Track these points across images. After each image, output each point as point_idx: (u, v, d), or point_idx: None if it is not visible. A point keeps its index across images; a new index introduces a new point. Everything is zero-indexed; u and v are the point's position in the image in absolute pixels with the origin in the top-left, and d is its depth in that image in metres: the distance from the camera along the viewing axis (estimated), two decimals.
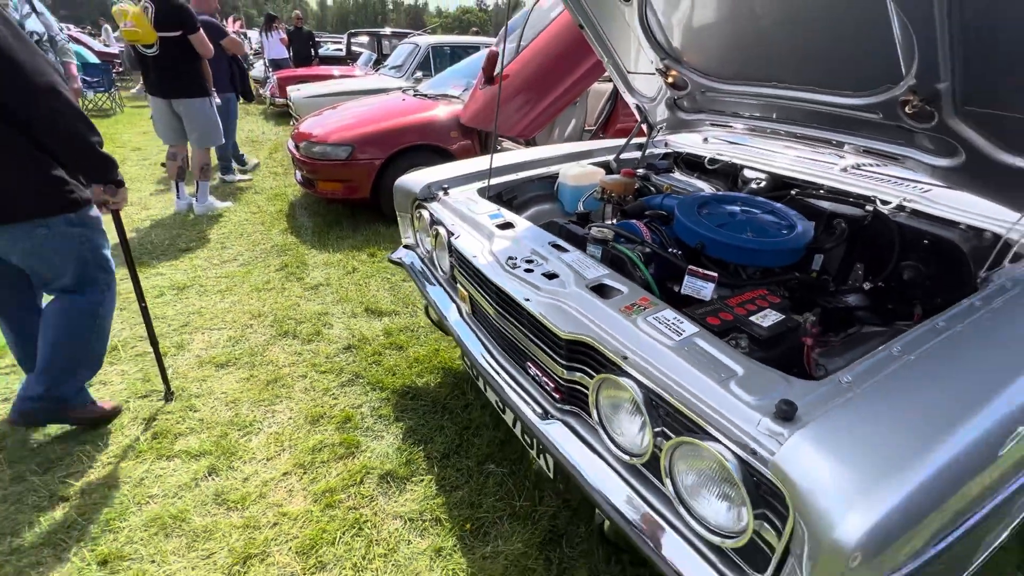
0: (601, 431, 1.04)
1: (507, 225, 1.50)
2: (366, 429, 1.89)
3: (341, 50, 12.88)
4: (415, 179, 1.88)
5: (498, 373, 1.34)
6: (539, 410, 1.19)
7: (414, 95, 4.44)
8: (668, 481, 0.89)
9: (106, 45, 12.97)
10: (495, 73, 3.66)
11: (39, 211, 1.53)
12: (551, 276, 1.20)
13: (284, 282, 2.99)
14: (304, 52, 9.99)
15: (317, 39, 13.70)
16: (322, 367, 2.22)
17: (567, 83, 3.49)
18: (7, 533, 1.46)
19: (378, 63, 9.19)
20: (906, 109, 1.21)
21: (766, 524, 0.75)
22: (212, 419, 1.91)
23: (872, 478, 0.64)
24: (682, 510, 0.87)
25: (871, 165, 1.63)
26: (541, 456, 1.27)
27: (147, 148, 6.04)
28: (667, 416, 0.89)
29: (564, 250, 1.32)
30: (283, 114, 8.12)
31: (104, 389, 2.05)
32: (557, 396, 1.16)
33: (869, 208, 1.45)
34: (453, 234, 1.54)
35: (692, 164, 2.16)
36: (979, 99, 1.08)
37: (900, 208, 1.47)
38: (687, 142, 2.25)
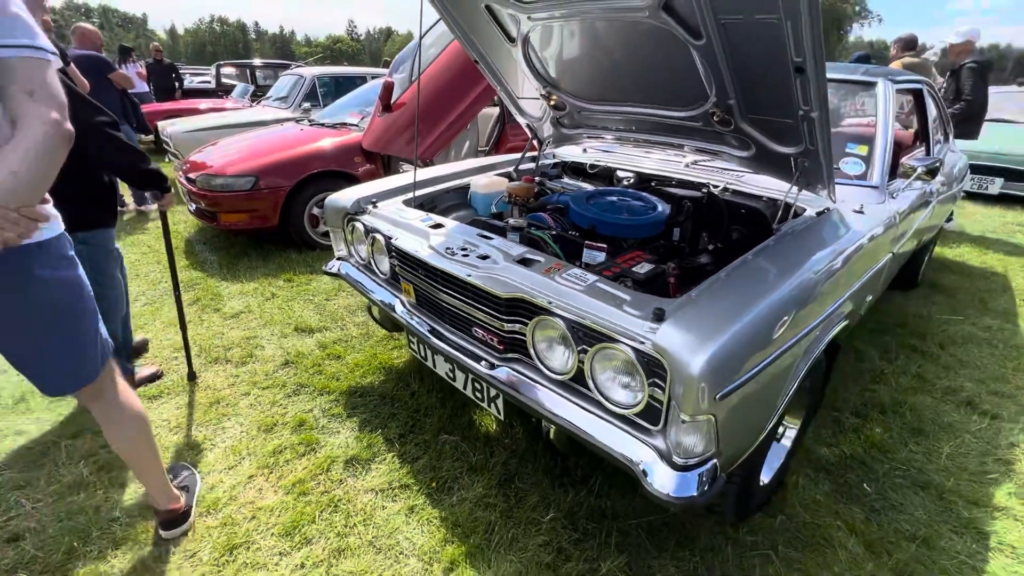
0: (538, 362, 1.37)
1: (438, 225, 1.80)
2: (321, 428, 2.03)
3: (209, 82, 12.22)
4: (344, 196, 2.10)
5: (448, 344, 1.62)
6: (487, 363, 1.49)
7: (310, 124, 4.54)
8: (591, 382, 1.24)
9: None
10: (391, 101, 3.95)
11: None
12: (484, 257, 1.52)
13: (200, 314, 2.95)
14: (166, 85, 9.37)
15: (180, 71, 12.82)
16: (263, 384, 2.31)
17: (460, 109, 3.88)
18: None
19: (256, 95, 8.94)
20: (714, 118, 1.73)
21: (656, 389, 1.13)
22: (161, 444, 1.93)
23: (706, 338, 1.04)
24: (601, 399, 1.23)
25: (704, 160, 2.19)
26: (492, 404, 1.57)
27: None
28: (584, 337, 1.25)
29: (490, 238, 1.65)
30: (159, 150, 7.56)
31: None
32: (501, 348, 1.47)
33: (704, 191, 1.98)
34: (392, 237, 1.80)
35: (576, 170, 2.63)
36: (755, 109, 1.62)
37: (725, 189, 2.03)
38: (571, 153, 2.73)
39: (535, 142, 2.62)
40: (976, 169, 6.06)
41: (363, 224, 1.98)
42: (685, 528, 1.61)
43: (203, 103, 8.19)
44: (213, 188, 3.59)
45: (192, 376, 2.33)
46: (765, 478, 1.66)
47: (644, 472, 1.12)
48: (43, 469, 1.80)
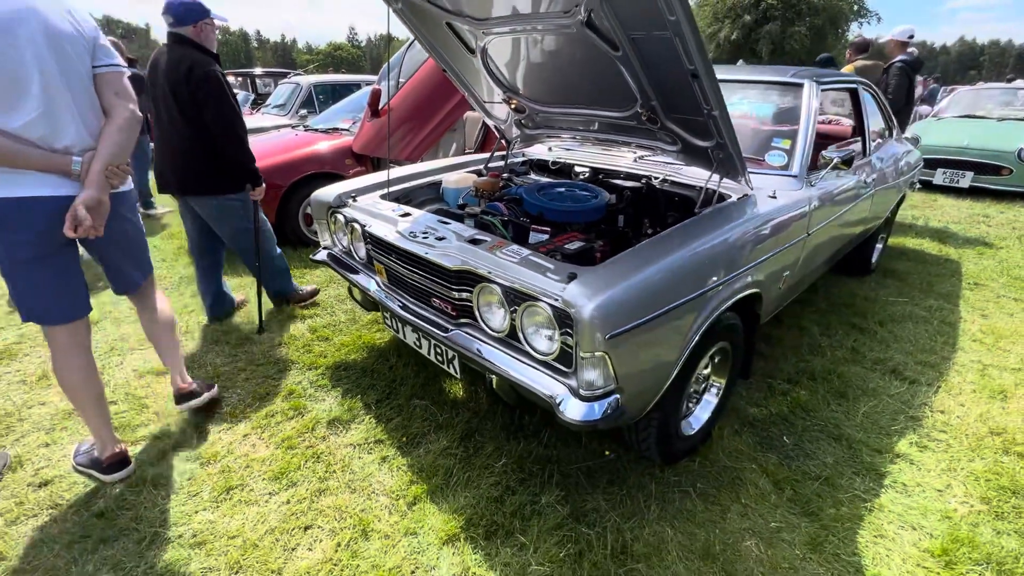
0: (482, 323, 1.64)
1: (407, 214, 2.06)
2: (309, 396, 2.30)
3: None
4: (328, 192, 2.37)
5: (413, 315, 1.89)
6: (443, 328, 1.76)
7: (305, 130, 4.83)
8: (521, 335, 1.50)
9: None
10: (379, 106, 4.24)
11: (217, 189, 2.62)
12: (441, 239, 1.79)
13: (201, 305, 3.22)
14: None
15: None
16: (258, 361, 2.58)
17: (443, 113, 4.16)
18: None
19: (256, 103, 9.27)
20: (644, 118, 1.99)
21: (567, 337, 1.38)
22: (166, 411, 2.20)
23: (598, 291, 1.30)
24: (529, 349, 1.49)
25: (649, 155, 2.45)
26: (450, 365, 1.83)
27: None
28: (515, 299, 1.50)
29: (447, 223, 1.91)
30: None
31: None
32: (454, 314, 1.73)
33: (644, 182, 2.24)
34: (366, 225, 2.07)
35: (542, 166, 2.90)
36: (673, 110, 1.88)
37: (664, 180, 2.29)
38: (538, 152, 3.00)
39: (503, 141, 2.88)
40: (947, 164, 6.30)
41: (343, 215, 2.25)
42: (618, 471, 1.86)
43: None
44: None
45: (261, 329, 2.89)
46: (691, 430, 1.91)
47: (559, 403, 1.38)
48: None
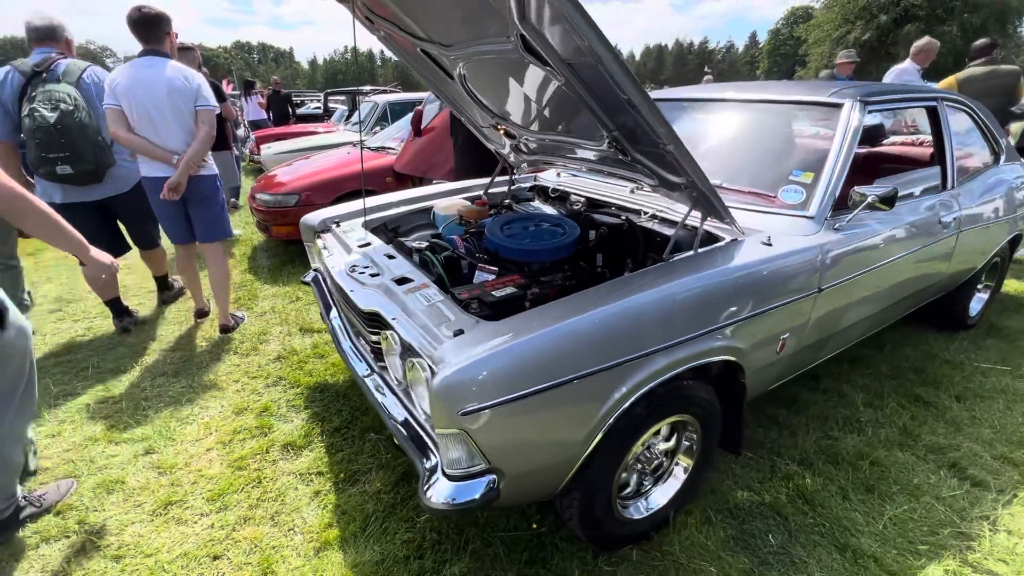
0: (390, 370, 1.53)
1: (366, 244, 2.03)
2: (279, 416, 2.35)
3: (319, 108, 13.87)
4: (316, 216, 2.42)
5: (352, 349, 1.83)
6: (366, 368, 1.68)
7: (357, 148, 5.08)
8: (412, 392, 1.37)
9: None
10: (421, 127, 4.32)
11: None
12: (375, 275, 1.72)
13: (234, 311, 3.48)
14: (282, 111, 10.89)
15: (302, 98, 14.72)
16: (253, 374, 2.70)
17: None
18: None
19: (349, 119, 10.01)
20: (615, 150, 1.76)
21: None
22: (156, 414, 2.37)
23: (459, 359, 1.12)
24: (418, 410, 1.35)
25: (642, 188, 2.18)
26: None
27: None
28: (408, 351, 1.38)
29: (393, 258, 1.83)
30: (260, 170, 8.80)
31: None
32: (374, 356, 1.65)
33: (624, 219, 1.99)
34: (330, 254, 2.06)
35: (546, 192, 2.73)
36: (636, 142, 1.63)
37: (654, 216, 2.02)
38: (548, 176, 2.83)
39: (506, 166, 2.75)
40: None
41: (320, 241, 2.27)
42: (544, 548, 1.64)
43: (310, 127, 9.34)
44: (267, 204, 4.20)
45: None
46: (640, 513, 1.63)
47: (427, 476, 1.23)
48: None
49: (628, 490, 1.63)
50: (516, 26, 1.38)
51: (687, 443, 1.69)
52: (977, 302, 3.06)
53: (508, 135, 2.40)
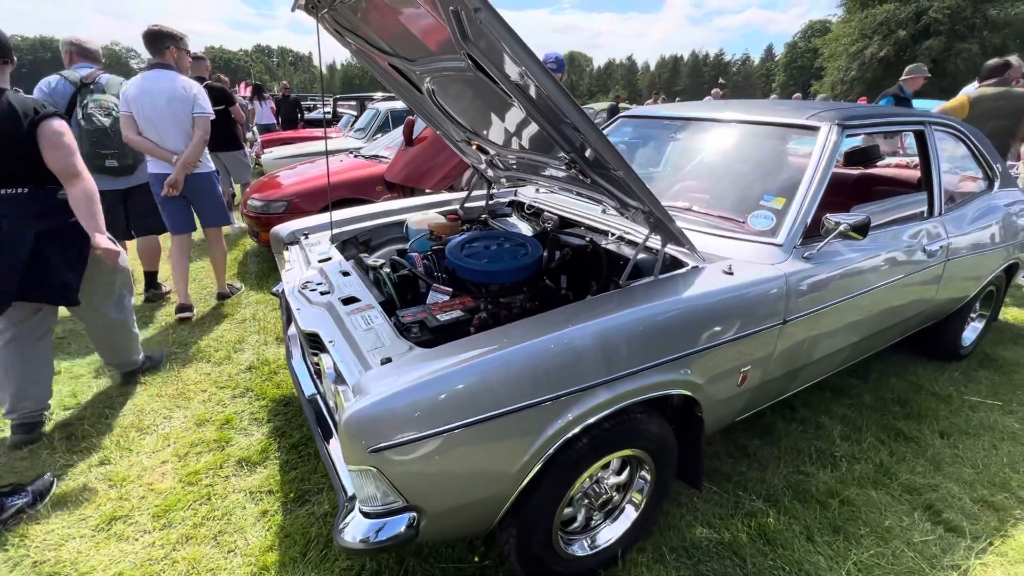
0: (327, 395, 1.48)
1: (326, 259, 1.99)
2: (240, 429, 2.31)
3: (330, 113, 14.00)
4: (285, 227, 2.39)
5: (301, 367, 1.79)
6: (312, 389, 1.64)
7: (354, 156, 5.08)
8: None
9: None
10: (412, 136, 4.30)
11: None
12: (325, 293, 1.68)
13: (215, 320, 3.47)
14: (291, 116, 11.00)
15: (313, 103, 14.88)
16: (221, 384, 2.67)
17: None
18: None
19: (354, 125, 10.07)
20: (575, 172, 1.71)
21: None
22: (118, 423, 2.35)
23: (373, 392, 1.07)
24: None
25: (613, 209, 2.13)
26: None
27: None
28: (340, 377, 1.34)
29: (347, 275, 1.79)
30: (263, 173, 8.87)
31: None
32: (318, 377, 1.60)
33: (589, 241, 1.93)
34: (289, 268, 2.03)
35: (522, 208, 2.68)
36: (593, 167, 1.58)
37: (621, 239, 1.97)
38: (526, 192, 2.79)
39: (484, 181, 2.71)
40: None
41: (289, 253, 2.25)
42: None
43: (318, 132, 9.40)
44: (257, 211, 4.20)
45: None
46: (585, 550, 1.57)
47: (345, 512, 1.18)
48: None
49: (575, 525, 1.56)
50: (463, 45, 1.34)
51: (641, 480, 1.62)
52: (971, 331, 2.95)
53: (481, 150, 2.37)
